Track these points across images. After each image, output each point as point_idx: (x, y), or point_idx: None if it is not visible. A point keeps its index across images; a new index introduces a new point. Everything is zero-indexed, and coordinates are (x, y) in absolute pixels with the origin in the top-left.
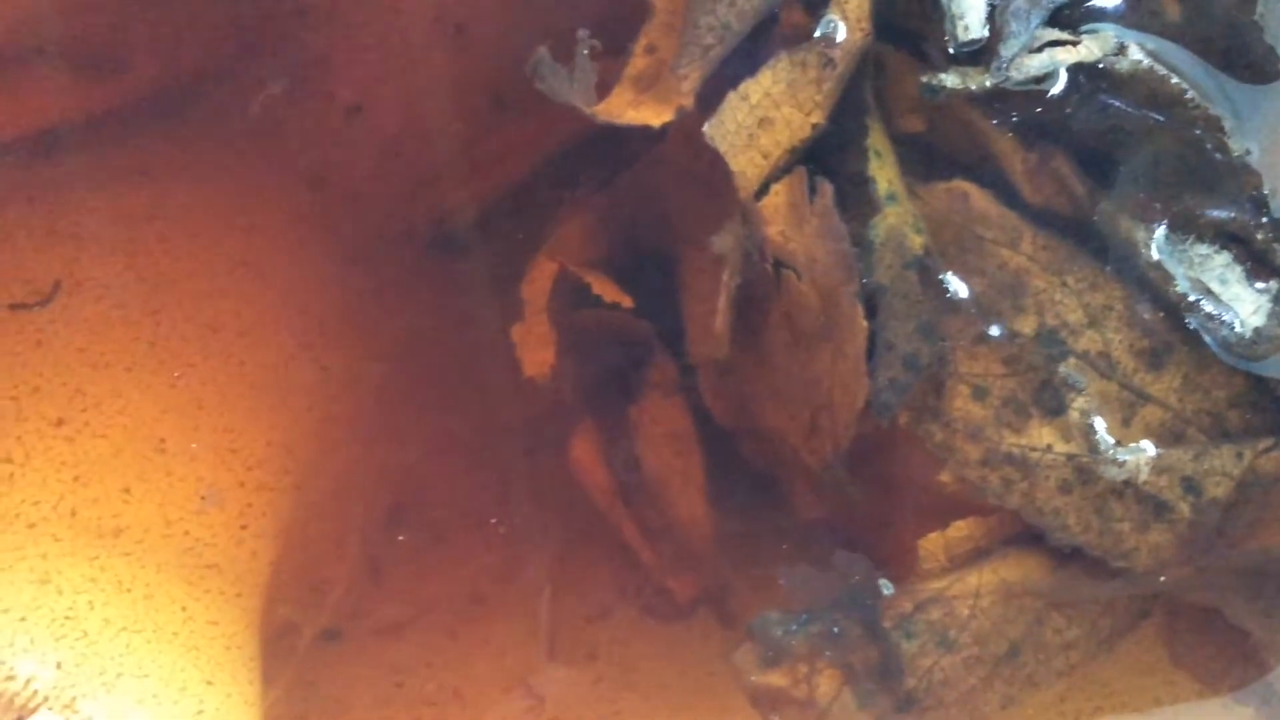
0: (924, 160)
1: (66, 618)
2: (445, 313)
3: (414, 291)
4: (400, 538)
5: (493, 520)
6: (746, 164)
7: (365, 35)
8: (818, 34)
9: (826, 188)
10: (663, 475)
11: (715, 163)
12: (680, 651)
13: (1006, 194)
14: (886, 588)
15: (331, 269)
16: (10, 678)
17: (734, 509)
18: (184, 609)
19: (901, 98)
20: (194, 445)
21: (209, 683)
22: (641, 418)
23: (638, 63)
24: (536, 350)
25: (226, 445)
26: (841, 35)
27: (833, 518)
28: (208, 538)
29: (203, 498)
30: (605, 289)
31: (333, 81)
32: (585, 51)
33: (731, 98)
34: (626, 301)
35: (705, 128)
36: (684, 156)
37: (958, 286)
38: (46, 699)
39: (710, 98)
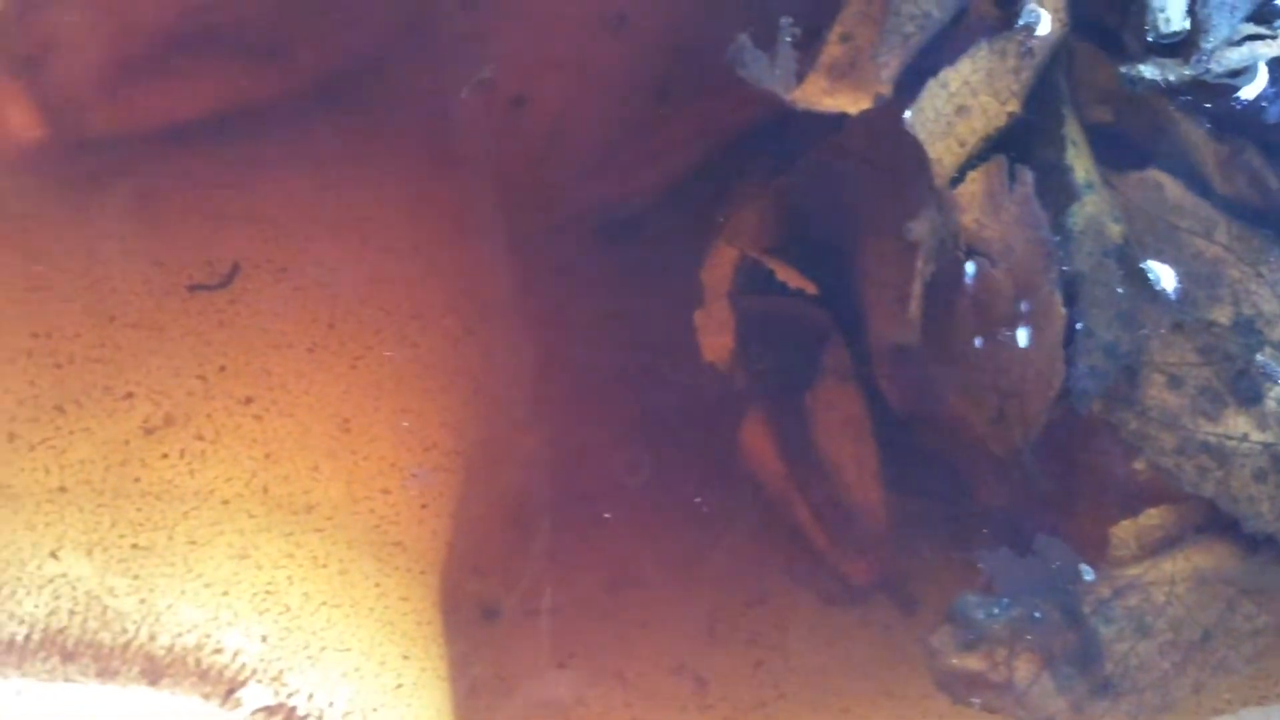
0: (1111, 150)
1: (267, 592)
2: (611, 298)
3: (580, 277)
4: (559, 520)
5: (652, 503)
6: (944, 151)
7: (528, 26)
8: (1020, 23)
9: (1027, 175)
10: (838, 460)
11: (899, 150)
12: (840, 636)
13: (1195, 185)
14: (1087, 573)
15: (496, 254)
16: (218, 651)
17: (908, 495)
18: (377, 585)
19: (1090, 88)
20: (375, 425)
21: (405, 657)
22: (817, 403)
23: (832, 50)
24: (716, 335)
25: (404, 426)
26: (1044, 25)
27: (1013, 504)
28: (392, 516)
29: (414, 475)
30: (789, 275)
31: (495, 72)
32: (788, 39)
33: (931, 85)
34: (810, 288)
35: (906, 115)
36: (863, 144)
37: (1158, 275)
38: (254, 672)
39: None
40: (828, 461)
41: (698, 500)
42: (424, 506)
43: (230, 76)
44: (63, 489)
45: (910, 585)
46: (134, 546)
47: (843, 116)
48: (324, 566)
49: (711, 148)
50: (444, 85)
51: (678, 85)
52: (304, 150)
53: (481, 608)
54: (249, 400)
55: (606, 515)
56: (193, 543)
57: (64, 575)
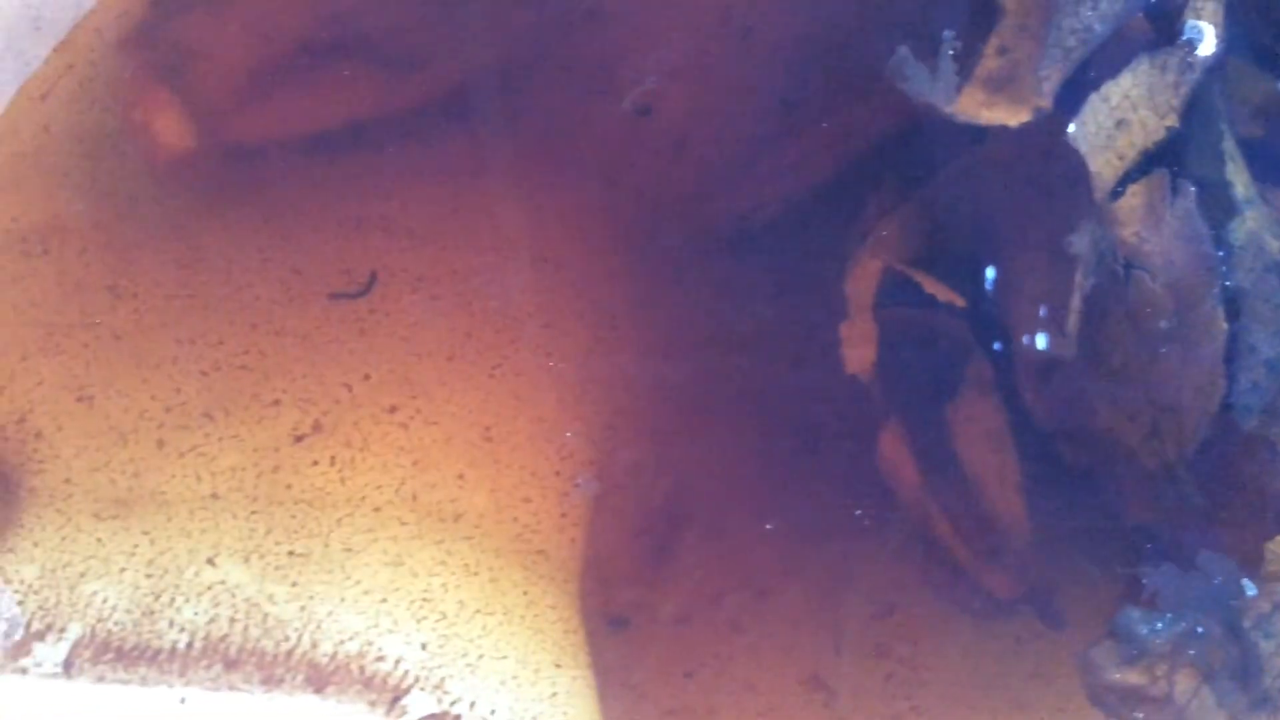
0: (1264, 165)
1: (424, 599)
2: (742, 309)
3: (711, 288)
4: (688, 530)
5: (784, 514)
6: (1103, 165)
7: (652, 37)
8: (1183, 39)
9: (1190, 189)
10: (980, 473)
11: (1049, 162)
12: (971, 649)
13: None
14: (1250, 588)
15: (624, 264)
16: (380, 658)
17: (1050, 509)
18: (525, 593)
19: (1243, 103)
20: (515, 434)
21: (557, 665)
22: (958, 416)
23: (989, 63)
24: (859, 347)
25: (542, 435)
26: (1206, 42)
27: (1166, 519)
28: (534, 524)
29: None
30: (936, 288)
31: (622, 83)
32: (950, 53)
33: (1093, 99)
34: (959, 301)
35: (1071, 129)
36: (1009, 156)
37: None
38: (417, 680)
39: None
40: (969, 474)
41: (831, 512)
42: (563, 515)
43: (368, 86)
44: (215, 496)
45: (1053, 599)
46: (290, 553)
47: (984, 128)
48: (475, 574)
49: (845, 158)
50: (571, 96)
51: (808, 96)
52: (437, 161)
53: (610, 617)
54: (393, 409)
55: (732, 525)
56: (348, 549)
57: (222, 582)
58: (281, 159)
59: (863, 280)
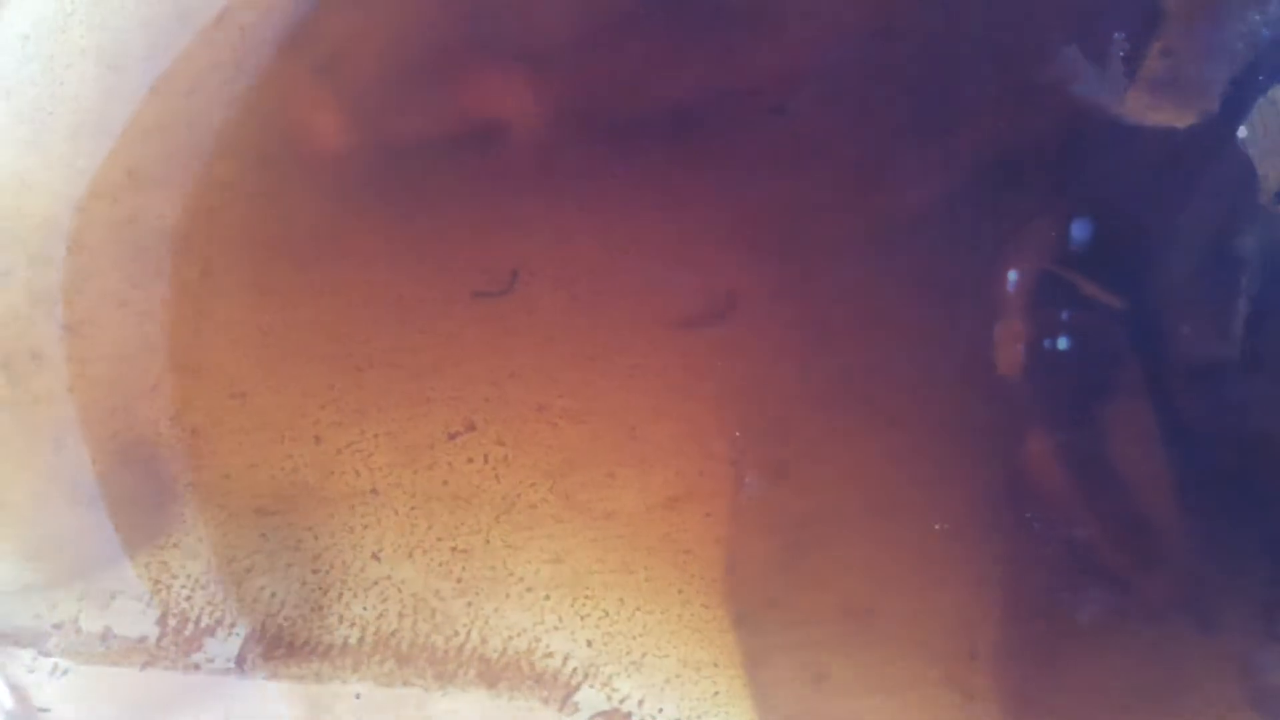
0: None
1: (585, 597)
2: (885, 308)
3: (852, 289)
4: (825, 530)
5: (923, 516)
6: (1270, 169)
7: (790, 34)
8: None
9: None
10: (1132, 477)
11: (1215, 166)
12: (1122, 653)
13: None
14: None
15: (763, 265)
16: (549, 655)
17: (1205, 513)
18: (680, 591)
19: None
20: (659, 434)
21: (715, 664)
22: (1112, 419)
23: (1153, 65)
24: (1012, 348)
25: (685, 434)
26: None
27: None
28: (680, 523)
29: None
30: (1093, 290)
31: (756, 81)
32: (1120, 54)
33: (1262, 103)
34: (1116, 302)
35: (1240, 132)
36: (1172, 158)
37: None
38: (586, 676)
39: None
40: (1120, 478)
41: (976, 514)
42: (708, 515)
43: (510, 85)
44: (374, 491)
45: (1205, 604)
46: (453, 549)
47: (1135, 127)
48: (632, 573)
49: (996, 157)
50: (708, 95)
51: (955, 94)
52: (576, 159)
53: (737, 616)
54: (541, 407)
55: (872, 524)
56: (509, 546)
57: (388, 577)
58: (425, 157)
59: (1017, 281)
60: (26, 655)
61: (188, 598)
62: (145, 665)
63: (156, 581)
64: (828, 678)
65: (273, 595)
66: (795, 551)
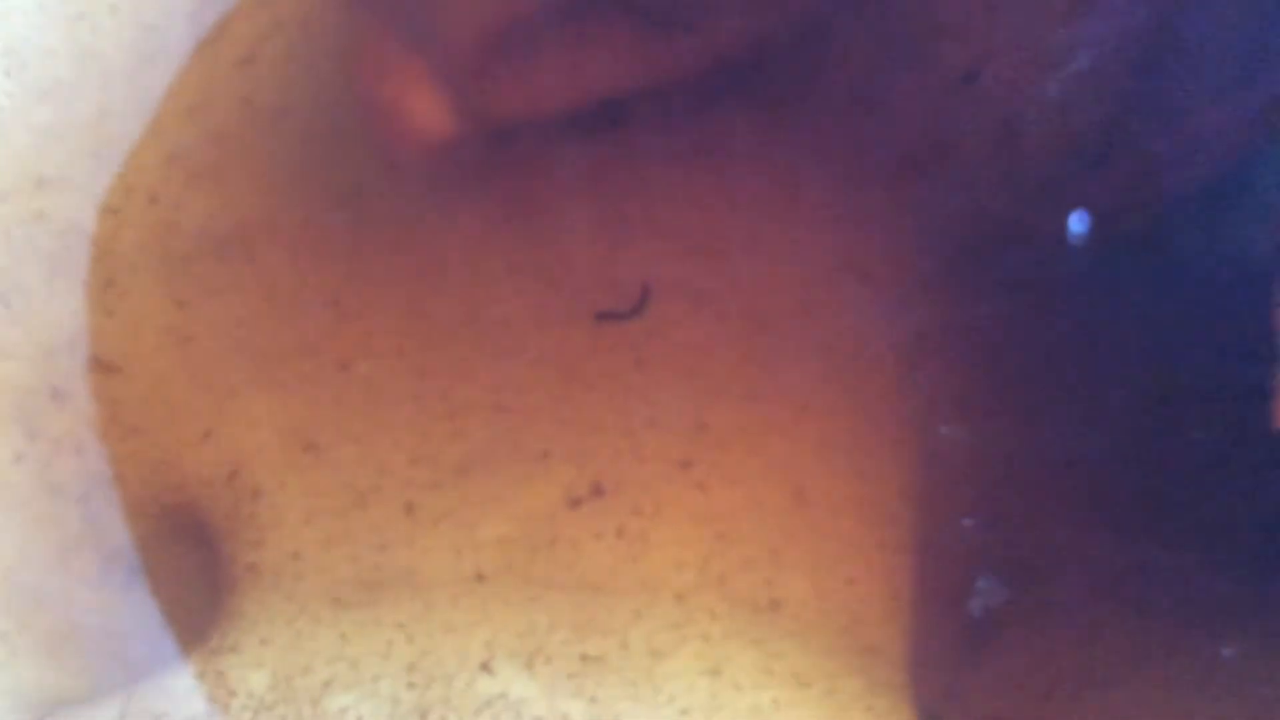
0: None
1: None
2: (1100, 327)
3: (1059, 309)
4: (1031, 605)
5: (1138, 593)
6: None
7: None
8: None
9: None
10: None
11: None
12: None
13: None
14: None
15: (942, 270)
16: None
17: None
18: (869, 708)
19: None
20: (832, 495)
21: None
22: None
23: None
24: None
25: (862, 495)
26: None
27: None
28: (862, 612)
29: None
30: None
31: (942, 43)
32: None
33: None
34: None
35: None
36: None
37: None
38: None
39: None
40: None
41: (1212, 602)
42: (893, 598)
43: (622, 51)
44: (481, 577)
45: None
46: (583, 657)
47: None
48: (807, 686)
49: (1260, 139)
50: (881, 64)
51: (1209, 63)
52: (717, 145)
53: (926, 713)
54: (687, 463)
55: (1068, 598)
56: (654, 652)
57: (503, 695)
58: (533, 145)
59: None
60: None
61: None
62: None
63: (211, 699)
64: None
65: None
66: (973, 633)
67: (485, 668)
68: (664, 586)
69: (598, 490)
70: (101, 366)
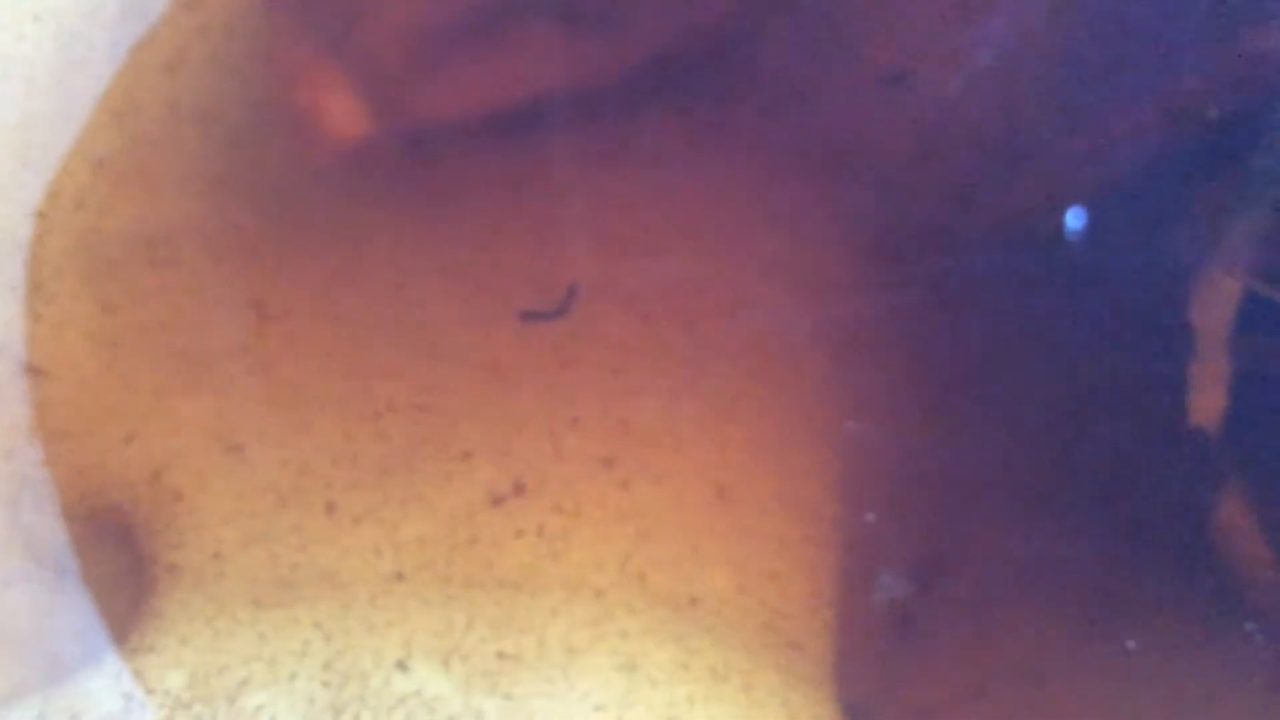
0: None
1: (669, 718)
2: (1031, 337)
3: (987, 307)
4: (940, 599)
5: (1080, 594)
6: None
7: None
8: None
9: None
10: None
11: None
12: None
13: None
14: None
15: (872, 269)
16: None
17: None
18: (784, 703)
19: None
20: (756, 492)
21: None
22: None
23: None
24: (1210, 393)
25: (788, 491)
26: None
27: None
28: (784, 607)
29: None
30: None
31: (868, 43)
32: None
33: None
34: None
35: None
36: None
37: None
38: None
39: None
40: None
41: (1148, 594)
42: (815, 594)
43: (551, 51)
44: (400, 576)
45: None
46: (499, 655)
47: None
48: (724, 681)
49: (1190, 138)
50: (808, 64)
51: (1121, 65)
52: (644, 145)
53: (849, 704)
54: (610, 462)
55: (996, 596)
56: (570, 650)
57: (418, 693)
58: (457, 146)
59: (1216, 307)
60: None
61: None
62: None
63: (129, 697)
64: None
65: (273, 718)
66: (907, 627)
67: (401, 666)
68: (584, 584)
69: (519, 489)
70: (29, 370)
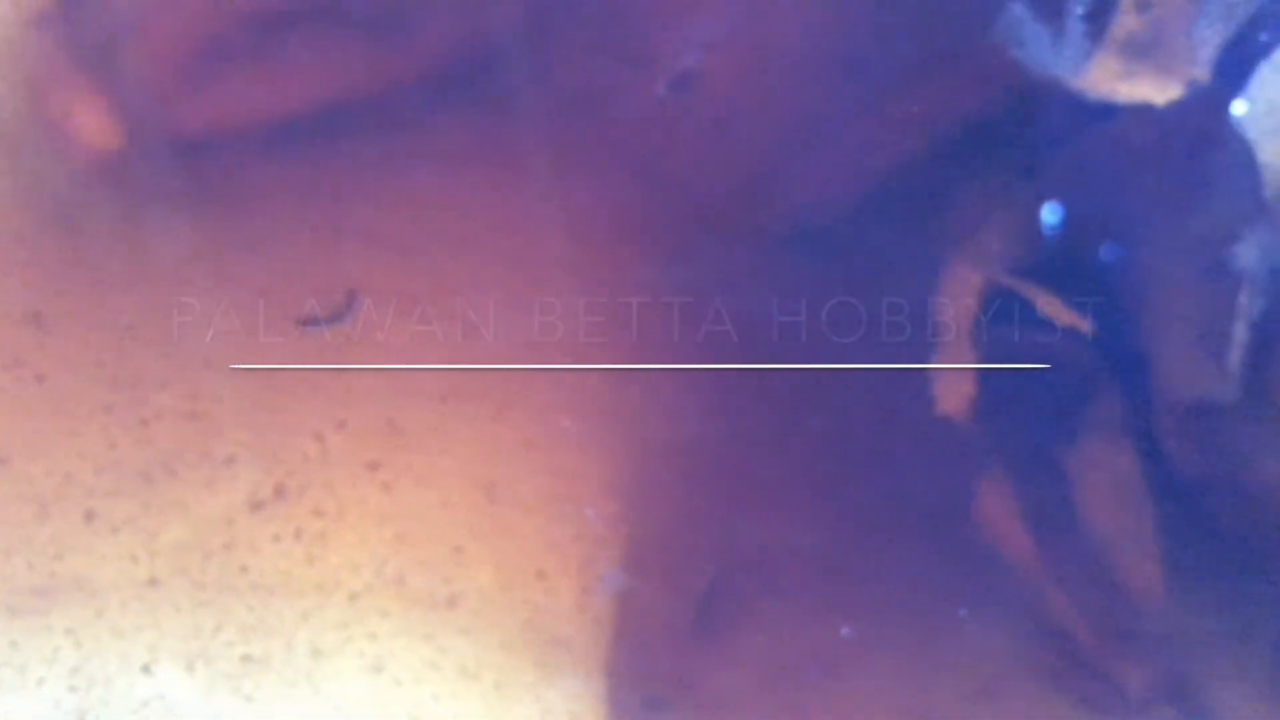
0: None
1: (411, 718)
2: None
3: (762, 302)
4: (736, 595)
5: (851, 585)
6: (1274, 154)
7: None
8: None
9: None
10: (1107, 535)
11: (1205, 152)
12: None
13: None
14: None
15: (658, 271)
16: None
17: (1195, 579)
18: (538, 698)
19: None
20: (526, 492)
21: None
22: (1082, 465)
23: (1128, 24)
24: (955, 383)
25: (561, 491)
26: None
27: None
28: (551, 605)
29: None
30: (1054, 309)
31: (657, 48)
32: (1080, 12)
33: (1263, 70)
34: (1082, 325)
35: (1235, 107)
36: (1152, 142)
37: None
38: None
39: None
40: (1094, 536)
41: (916, 581)
42: (584, 590)
43: (341, 59)
44: (154, 581)
45: (1198, 690)
46: (245, 658)
47: (1119, 106)
48: (475, 679)
49: (933, 142)
50: (594, 70)
51: (885, 65)
52: (429, 152)
53: (645, 697)
54: (375, 465)
55: (791, 591)
56: (317, 652)
57: (161, 697)
58: (239, 154)
59: (960, 298)
60: None
61: None
62: None
63: None
64: None
65: None
66: (703, 623)
67: (146, 670)
68: (338, 587)
69: (280, 493)
70: None
